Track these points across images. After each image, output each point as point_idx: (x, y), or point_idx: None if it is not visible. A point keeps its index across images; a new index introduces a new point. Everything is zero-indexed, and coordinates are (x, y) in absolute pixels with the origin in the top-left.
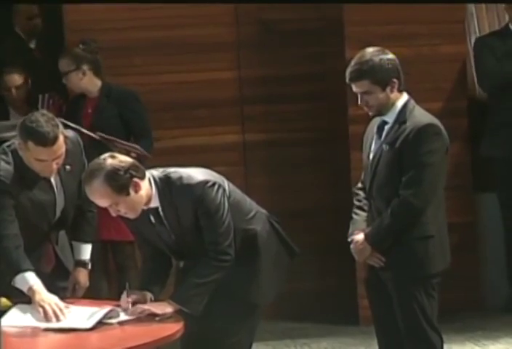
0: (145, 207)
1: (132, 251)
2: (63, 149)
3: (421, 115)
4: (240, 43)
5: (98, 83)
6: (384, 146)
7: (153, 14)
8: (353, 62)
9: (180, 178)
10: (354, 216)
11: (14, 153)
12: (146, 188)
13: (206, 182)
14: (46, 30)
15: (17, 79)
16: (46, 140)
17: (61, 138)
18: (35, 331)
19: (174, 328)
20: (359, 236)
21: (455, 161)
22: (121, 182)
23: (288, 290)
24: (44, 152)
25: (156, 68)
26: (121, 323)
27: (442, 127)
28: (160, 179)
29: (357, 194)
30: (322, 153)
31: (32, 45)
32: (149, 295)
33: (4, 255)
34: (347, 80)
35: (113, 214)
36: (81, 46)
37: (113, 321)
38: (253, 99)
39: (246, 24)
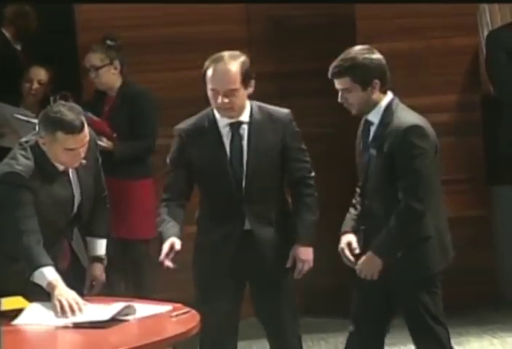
0: (233, 119)
1: (146, 248)
2: (88, 136)
3: (405, 116)
4: (251, 40)
5: (120, 81)
6: (371, 150)
7: (166, 12)
8: (338, 58)
9: (271, 107)
10: (347, 214)
11: (33, 148)
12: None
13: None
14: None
15: (42, 74)
16: (74, 128)
17: (86, 125)
18: (52, 329)
19: (190, 325)
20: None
21: (468, 155)
22: (250, 74)
23: (304, 285)
24: (72, 140)
25: (169, 65)
26: (137, 319)
27: (428, 125)
28: (255, 104)
29: (356, 191)
30: (335, 148)
31: (18, 47)
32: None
33: (23, 251)
34: (329, 75)
35: (219, 101)
36: (108, 42)
37: (130, 317)
38: (265, 96)
39: (258, 21)
